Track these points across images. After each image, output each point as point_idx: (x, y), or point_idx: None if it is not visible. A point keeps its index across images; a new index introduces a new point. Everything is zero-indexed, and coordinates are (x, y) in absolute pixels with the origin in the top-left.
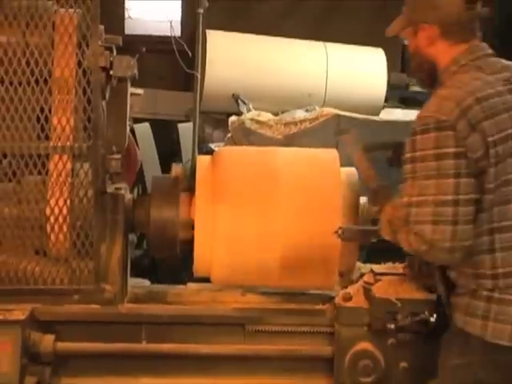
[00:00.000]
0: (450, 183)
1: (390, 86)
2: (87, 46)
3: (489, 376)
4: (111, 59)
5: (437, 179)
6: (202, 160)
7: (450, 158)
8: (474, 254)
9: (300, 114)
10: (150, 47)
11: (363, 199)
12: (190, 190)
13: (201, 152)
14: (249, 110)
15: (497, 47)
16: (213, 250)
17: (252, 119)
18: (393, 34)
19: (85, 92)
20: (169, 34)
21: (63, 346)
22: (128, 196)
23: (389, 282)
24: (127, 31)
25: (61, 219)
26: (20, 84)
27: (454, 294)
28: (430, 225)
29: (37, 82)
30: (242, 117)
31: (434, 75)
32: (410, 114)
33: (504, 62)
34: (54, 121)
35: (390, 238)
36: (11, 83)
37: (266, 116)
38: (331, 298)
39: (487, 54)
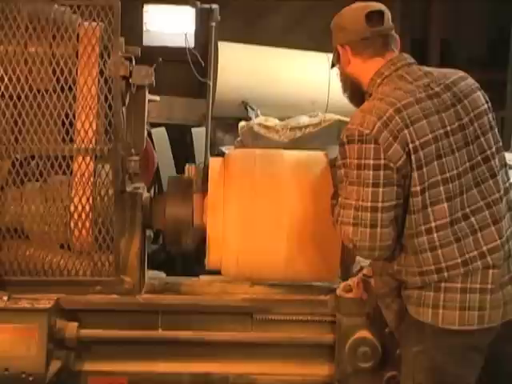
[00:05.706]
0: (368, 191)
1: None
2: (109, 56)
3: (444, 359)
4: (131, 68)
5: (358, 186)
6: (214, 161)
7: (370, 169)
8: (417, 253)
9: (304, 119)
10: (166, 58)
11: None
12: (203, 189)
13: (213, 154)
14: (257, 116)
15: (489, 57)
16: (223, 245)
17: (260, 124)
18: (331, 65)
19: (106, 99)
20: (183, 45)
21: (86, 332)
22: (145, 195)
23: None
24: (145, 43)
25: (84, 216)
26: (47, 91)
27: (404, 287)
28: (351, 226)
29: (62, 89)
30: (251, 122)
31: (360, 92)
32: None
33: (426, 68)
34: (78, 125)
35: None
36: (39, 90)
37: (272, 121)
38: (333, 290)
39: (409, 63)
